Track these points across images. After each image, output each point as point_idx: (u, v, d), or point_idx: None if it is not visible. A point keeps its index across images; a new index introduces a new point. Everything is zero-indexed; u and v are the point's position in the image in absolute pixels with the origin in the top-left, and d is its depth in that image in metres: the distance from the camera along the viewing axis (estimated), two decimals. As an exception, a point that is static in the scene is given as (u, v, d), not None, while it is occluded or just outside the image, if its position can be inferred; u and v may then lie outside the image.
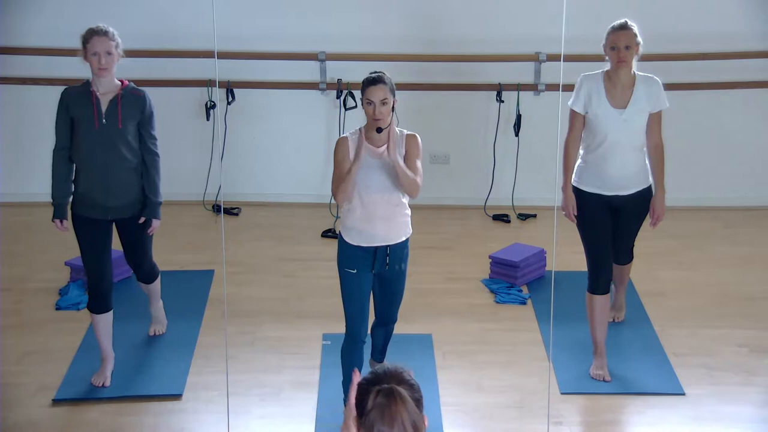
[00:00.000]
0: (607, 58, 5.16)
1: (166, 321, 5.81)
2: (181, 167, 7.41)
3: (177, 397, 5.21)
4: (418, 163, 4.78)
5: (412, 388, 2.71)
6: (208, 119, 7.52)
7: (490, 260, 6.53)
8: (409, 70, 7.42)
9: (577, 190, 5.30)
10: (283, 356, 5.60)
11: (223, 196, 7.42)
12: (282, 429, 5.01)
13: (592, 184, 5.25)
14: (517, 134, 7.48)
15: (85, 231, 5.14)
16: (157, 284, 5.63)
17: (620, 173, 5.19)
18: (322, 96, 7.55)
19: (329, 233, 7.10)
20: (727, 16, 7.32)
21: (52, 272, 6.49)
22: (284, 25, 7.41)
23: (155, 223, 5.21)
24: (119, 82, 5.08)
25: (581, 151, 5.30)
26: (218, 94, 7.45)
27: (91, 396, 5.19)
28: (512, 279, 6.39)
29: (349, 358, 4.85)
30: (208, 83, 7.41)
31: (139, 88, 5.12)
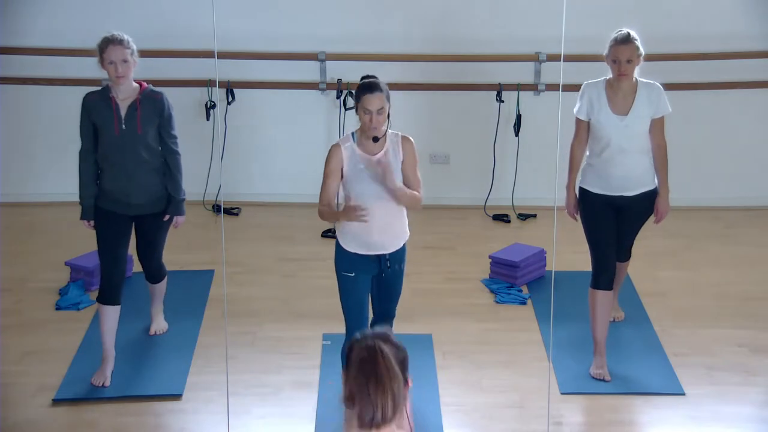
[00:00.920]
0: (606, 63, 5.20)
1: (166, 323, 5.82)
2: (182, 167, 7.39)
3: (177, 397, 5.22)
4: (418, 172, 4.78)
5: (398, 348, 2.81)
6: (208, 119, 7.52)
7: (490, 260, 6.53)
8: (409, 70, 7.43)
9: (582, 190, 5.36)
10: (283, 356, 5.60)
11: (223, 196, 7.41)
12: (282, 429, 5.01)
13: (596, 185, 5.31)
14: (517, 134, 7.48)
15: (105, 223, 5.24)
16: (162, 285, 5.69)
17: (624, 175, 5.25)
18: (322, 96, 7.55)
19: (329, 233, 7.10)
20: (727, 16, 7.32)
21: (52, 272, 6.49)
22: (284, 25, 7.41)
23: (179, 219, 5.37)
24: (137, 86, 5.16)
25: (587, 154, 5.37)
26: (218, 94, 7.45)
27: (91, 396, 5.19)
28: (512, 279, 6.40)
29: None
30: (208, 83, 7.41)
31: (157, 90, 5.21)
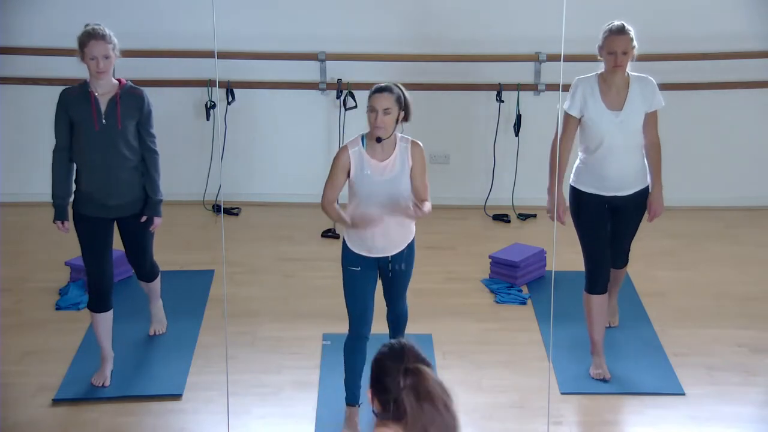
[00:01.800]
0: (599, 57, 5.16)
1: (166, 321, 5.81)
2: (181, 167, 7.41)
3: (177, 397, 5.22)
4: (426, 179, 4.79)
5: (427, 363, 2.86)
6: (208, 119, 7.51)
7: (490, 260, 6.53)
8: (409, 70, 7.42)
9: (576, 191, 5.30)
10: (283, 356, 5.60)
11: (223, 196, 7.41)
12: (282, 429, 5.01)
13: (590, 185, 5.25)
14: (517, 134, 7.48)
15: (86, 229, 5.14)
16: (157, 283, 5.64)
17: (619, 174, 5.20)
18: (322, 96, 7.55)
19: (329, 233, 7.10)
20: (727, 16, 7.32)
21: (52, 272, 6.48)
22: (284, 25, 7.40)
23: (157, 220, 5.23)
24: (117, 82, 5.08)
25: (580, 154, 5.30)
26: (218, 94, 7.45)
27: (91, 396, 5.19)
28: (512, 279, 6.39)
29: (352, 355, 4.85)
30: (208, 83, 7.41)
31: (137, 86, 5.12)
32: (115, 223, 5.24)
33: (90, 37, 4.96)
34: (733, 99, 7.50)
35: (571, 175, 5.34)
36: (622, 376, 5.37)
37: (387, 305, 5.04)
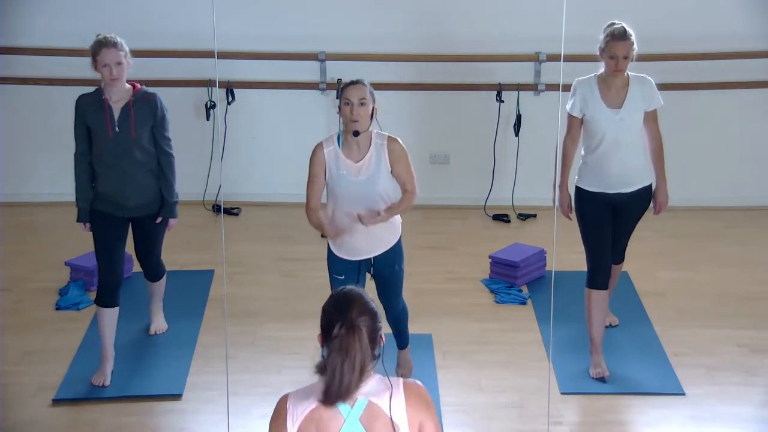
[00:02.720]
0: (600, 58, 5.19)
1: (166, 322, 5.82)
2: (181, 167, 7.31)
3: (177, 397, 5.22)
4: (411, 169, 4.76)
5: (374, 317, 3.00)
6: (208, 119, 7.51)
7: (490, 260, 6.53)
8: (409, 70, 7.43)
9: (579, 190, 5.34)
10: (283, 356, 5.60)
11: (223, 196, 7.42)
12: (282, 429, 5.00)
13: (593, 184, 5.28)
14: (517, 134, 7.48)
15: (101, 226, 5.23)
16: (162, 283, 5.69)
17: (621, 171, 5.23)
18: (322, 96, 7.55)
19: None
20: (727, 16, 7.32)
21: (52, 272, 6.49)
22: (284, 25, 7.40)
23: (172, 221, 5.34)
24: (131, 87, 5.14)
25: (582, 152, 5.33)
26: (218, 94, 7.45)
27: (91, 396, 5.20)
28: (512, 279, 6.39)
29: None
30: (208, 83, 7.41)
31: (151, 91, 5.18)
32: (130, 223, 5.31)
33: (101, 45, 5.02)
34: (733, 99, 7.50)
35: (574, 174, 5.37)
36: (622, 376, 5.37)
37: (384, 307, 5.03)
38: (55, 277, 6.43)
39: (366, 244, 4.76)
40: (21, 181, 7.58)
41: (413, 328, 5.52)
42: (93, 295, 6.06)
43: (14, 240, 6.99)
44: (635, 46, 5.12)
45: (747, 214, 7.55)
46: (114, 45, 5.02)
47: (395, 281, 4.93)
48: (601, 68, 5.21)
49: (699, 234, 7.23)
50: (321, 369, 2.99)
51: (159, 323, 5.79)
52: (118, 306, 5.28)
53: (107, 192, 5.18)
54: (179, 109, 7.49)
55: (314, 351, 5.65)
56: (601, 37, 5.16)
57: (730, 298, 6.29)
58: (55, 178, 7.46)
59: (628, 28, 5.11)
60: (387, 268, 4.86)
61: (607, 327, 5.67)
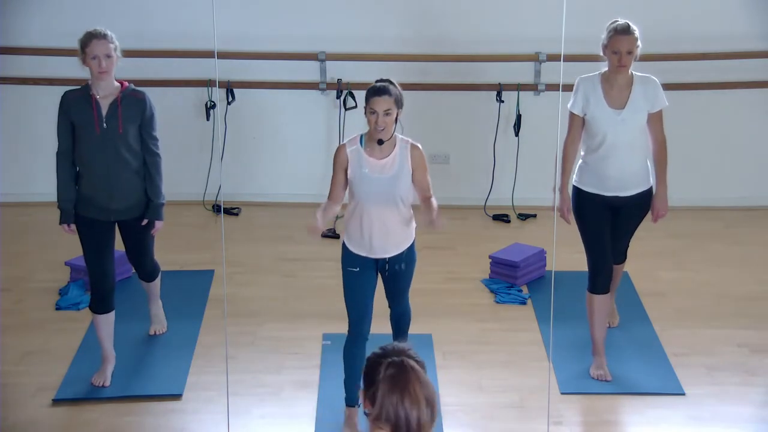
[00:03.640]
0: (602, 55, 5.16)
1: (166, 321, 5.81)
2: (181, 167, 7.41)
3: (177, 397, 5.22)
4: (428, 177, 4.80)
5: (420, 364, 2.74)
6: (208, 119, 7.52)
7: (490, 260, 6.53)
8: (409, 70, 7.42)
9: (577, 190, 5.31)
10: (283, 356, 5.60)
11: (223, 196, 7.42)
12: (282, 429, 5.01)
13: (592, 185, 5.25)
14: (517, 134, 7.48)
15: (88, 232, 5.14)
16: (157, 283, 5.65)
17: (620, 174, 5.19)
18: (322, 96, 7.55)
19: (329, 233, 7.10)
20: (728, 16, 7.32)
21: (52, 272, 6.49)
22: (284, 25, 7.40)
23: (158, 224, 5.23)
24: (119, 84, 5.06)
25: (582, 152, 5.31)
26: (218, 94, 7.45)
27: (91, 396, 5.19)
28: (512, 279, 6.39)
29: (351, 355, 4.84)
30: (208, 83, 7.41)
31: (139, 89, 5.10)
32: (117, 225, 5.24)
33: (92, 36, 4.95)
34: (733, 99, 7.50)
35: (573, 176, 5.34)
36: (622, 376, 5.37)
37: (389, 305, 5.05)
38: (55, 277, 6.43)
39: (384, 243, 4.78)
40: (21, 181, 7.58)
41: (413, 328, 5.52)
42: (93, 295, 6.07)
43: (14, 240, 6.99)
44: (639, 42, 5.08)
45: (747, 214, 7.55)
46: (104, 37, 4.94)
47: (404, 283, 4.94)
48: (605, 67, 5.19)
49: (699, 234, 7.23)
50: (377, 418, 2.67)
51: (159, 322, 5.78)
52: (112, 310, 5.25)
53: (91, 194, 5.07)
54: (179, 109, 7.50)
55: (314, 351, 5.65)
56: (604, 34, 5.13)
57: (730, 298, 6.29)
58: (54, 178, 7.45)
59: (632, 24, 5.09)
60: (399, 269, 4.87)
61: (607, 328, 5.66)
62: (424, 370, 2.75)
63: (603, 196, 5.24)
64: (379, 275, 4.89)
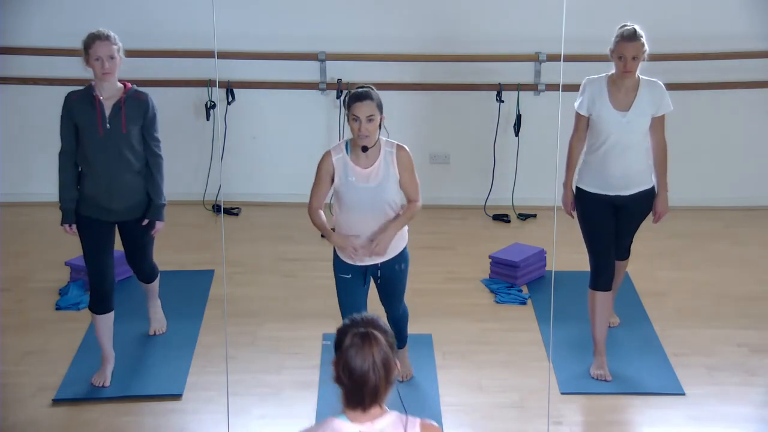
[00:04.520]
0: (610, 59, 5.18)
1: (165, 321, 5.81)
2: (181, 167, 7.41)
3: (177, 397, 5.22)
4: (416, 178, 4.78)
5: (386, 333, 2.97)
6: (208, 119, 7.52)
7: (490, 260, 6.53)
8: (409, 70, 7.43)
9: (579, 189, 5.34)
10: (283, 356, 5.60)
11: (223, 196, 7.42)
12: (282, 429, 5.01)
13: (593, 184, 5.27)
14: (517, 134, 7.48)
15: (88, 232, 5.14)
16: (155, 284, 5.65)
17: (621, 173, 5.21)
18: (322, 96, 7.55)
19: (329, 233, 7.09)
20: (728, 16, 7.32)
21: (52, 272, 6.49)
22: (284, 25, 7.40)
23: (159, 225, 5.23)
24: (122, 85, 5.08)
25: (584, 151, 5.34)
26: (218, 94, 7.45)
27: (91, 396, 5.19)
28: (512, 279, 6.40)
29: None
30: (208, 83, 7.41)
31: (142, 90, 5.12)
32: (117, 225, 5.23)
33: (95, 38, 4.96)
34: (733, 99, 7.50)
35: (575, 174, 5.37)
36: (622, 376, 5.37)
37: (385, 310, 5.05)
38: (55, 277, 6.43)
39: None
40: (21, 181, 7.58)
41: (413, 328, 5.53)
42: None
43: (14, 240, 6.99)
44: (646, 47, 5.11)
45: (747, 214, 7.56)
46: (107, 38, 4.95)
47: (399, 285, 4.94)
48: (613, 69, 5.21)
49: (699, 234, 7.23)
50: (339, 378, 2.95)
51: (159, 322, 5.78)
52: (112, 311, 5.25)
53: (92, 194, 5.08)
54: (179, 109, 7.50)
55: (314, 351, 5.65)
56: (613, 38, 5.16)
57: (730, 298, 6.29)
58: (55, 178, 7.39)
59: (639, 30, 5.10)
60: (392, 273, 4.87)
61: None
62: (391, 340, 2.98)
63: (605, 195, 5.26)
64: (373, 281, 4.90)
